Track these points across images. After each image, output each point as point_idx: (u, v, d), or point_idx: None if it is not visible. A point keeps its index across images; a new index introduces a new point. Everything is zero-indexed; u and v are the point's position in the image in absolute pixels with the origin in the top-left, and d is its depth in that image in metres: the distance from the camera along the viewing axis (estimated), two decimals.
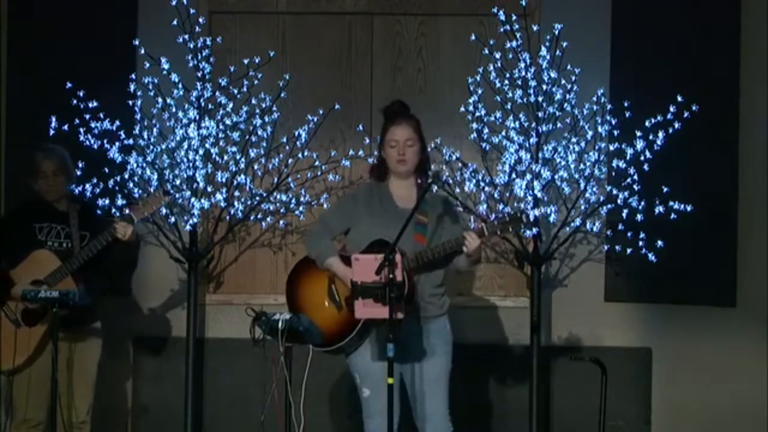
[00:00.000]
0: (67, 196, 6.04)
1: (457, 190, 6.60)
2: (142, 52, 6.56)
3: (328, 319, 5.24)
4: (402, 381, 5.29)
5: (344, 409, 6.69)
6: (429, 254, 5.15)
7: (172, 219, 6.62)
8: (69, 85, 6.53)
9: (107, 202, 6.48)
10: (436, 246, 5.16)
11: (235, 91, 6.65)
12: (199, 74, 6.59)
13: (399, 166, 5.30)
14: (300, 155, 6.75)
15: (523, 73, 6.52)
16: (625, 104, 6.52)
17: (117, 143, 6.56)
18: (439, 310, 5.30)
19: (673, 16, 6.81)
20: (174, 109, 6.60)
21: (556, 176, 6.52)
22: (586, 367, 6.29)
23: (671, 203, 6.52)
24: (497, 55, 6.55)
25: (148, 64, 6.56)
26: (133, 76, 6.63)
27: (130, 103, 6.61)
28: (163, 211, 6.50)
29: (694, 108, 6.45)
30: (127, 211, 5.86)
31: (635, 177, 6.51)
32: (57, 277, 5.73)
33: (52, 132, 6.46)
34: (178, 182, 6.59)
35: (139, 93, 6.61)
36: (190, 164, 6.57)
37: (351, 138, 6.95)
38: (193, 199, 6.57)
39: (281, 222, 6.91)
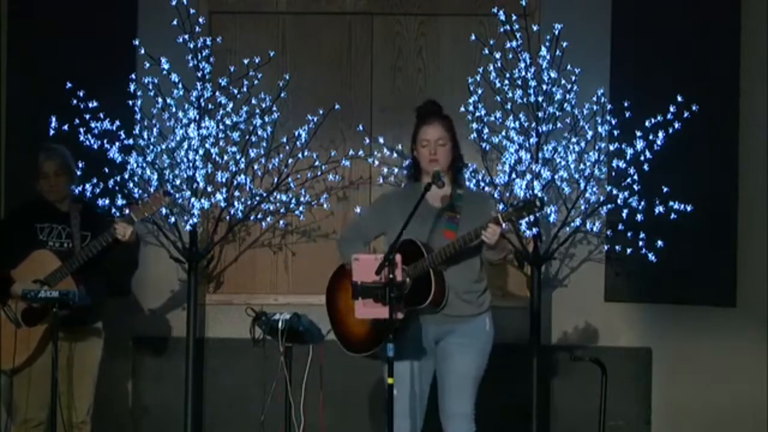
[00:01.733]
0: (69, 196, 6.04)
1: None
2: (142, 52, 6.56)
3: (363, 324, 5.19)
4: (434, 379, 5.29)
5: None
6: (450, 249, 5.10)
7: (172, 219, 6.63)
8: (69, 85, 6.54)
9: (107, 202, 6.49)
10: (456, 239, 5.12)
11: (235, 91, 6.65)
12: (199, 74, 6.59)
13: (431, 166, 5.27)
14: (300, 155, 6.75)
15: (523, 73, 6.52)
16: (625, 104, 6.52)
17: (117, 143, 6.56)
18: (477, 308, 5.24)
19: (673, 16, 6.81)
20: (174, 109, 6.60)
21: (556, 176, 6.52)
22: (586, 367, 6.28)
23: (671, 203, 6.52)
24: (497, 55, 6.56)
25: (148, 64, 6.57)
26: (133, 76, 6.64)
27: (130, 103, 6.62)
28: (163, 211, 6.50)
29: (694, 108, 6.46)
30: (127, 211, 5.86)
31: (635, 177, 6.52)
32: (57, 277, 5.73)
33: (52, 132, 6.47)
34: (178, 182, 6.59)
35: (139, 93, 6.61)
36: (190, 164, 6.57)
37: (351, 138, 6.95)
38: (193, 199, 6.57)
39: (281, 222, 6.91)
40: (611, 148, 6.57)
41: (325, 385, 5.61)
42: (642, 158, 6.51)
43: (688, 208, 6.51)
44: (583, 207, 6.58)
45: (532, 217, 6.36)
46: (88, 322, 5.96)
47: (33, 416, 5.85)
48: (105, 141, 6.55)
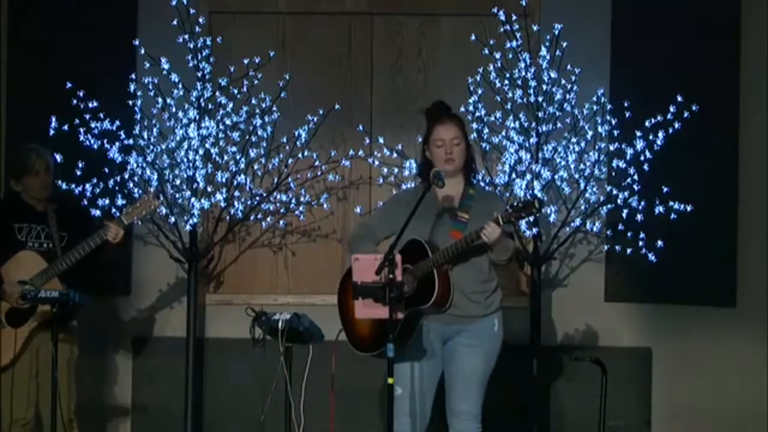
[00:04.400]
0: (46, 196, 6.05)
1: None
2: (142, 52, 6.56)
3: (371, 323, 5.17)
4: (442, 379, 5.29)
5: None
6: (453, 248, 5.09)
7: (172, 219, 6.63)
8: (69, 85, 6.54)
9: (107, 202, 6.49)
10: (459, 240, 5.11)
11: (235, 91, 6.65)
12: (199, 74, 6.59)
13: (447, 165, 5.25)
14: (300, 155, 6.75)
15: (523, 73, 6.52)
16: (625, 104, 6.52)
17: (117, 143, 6.56)
18: (485, 309, 5.24)
19: (673, 16, 6.80)
20: (174, 109, 6.60)
21: (556, 176, 6.52)
22: (586, 367, 6.29)
23: (671, 203, 6.52)
24: (497, 55, 6.56)
25: (148, 64, 6.57)
26: (133, 76, 6.64)
27: (130, 103, 6.62)
28: (163, 211, 6.52)
29: (694, 108, 6.46)
30: (117, 213, 5.89)
31: (635, 177, 6.52)
32: (44, 278, 5.73)
33: (52, 132, 6.47)
34: (178, 182, 6.59)
35: (139, 93, 6.61)
36: (190, 164, 6.57)
37: (351, 138, 6.94)
38: (193, 199, 6.57)
39: (281, 222, 6.91)
40: (611, 148, 6.57)
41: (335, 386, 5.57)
42: (642, 158, 6.51)
43: (688, 208, 6.51)
44: (583, 207, 6.58)
45: (531, 218, 6.35)
46: (67, 322, 5.95)
47: (21, 416, 5.85)
48: (105, 141, 6.55)
